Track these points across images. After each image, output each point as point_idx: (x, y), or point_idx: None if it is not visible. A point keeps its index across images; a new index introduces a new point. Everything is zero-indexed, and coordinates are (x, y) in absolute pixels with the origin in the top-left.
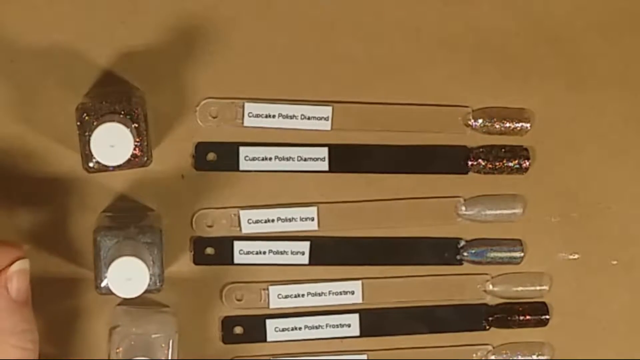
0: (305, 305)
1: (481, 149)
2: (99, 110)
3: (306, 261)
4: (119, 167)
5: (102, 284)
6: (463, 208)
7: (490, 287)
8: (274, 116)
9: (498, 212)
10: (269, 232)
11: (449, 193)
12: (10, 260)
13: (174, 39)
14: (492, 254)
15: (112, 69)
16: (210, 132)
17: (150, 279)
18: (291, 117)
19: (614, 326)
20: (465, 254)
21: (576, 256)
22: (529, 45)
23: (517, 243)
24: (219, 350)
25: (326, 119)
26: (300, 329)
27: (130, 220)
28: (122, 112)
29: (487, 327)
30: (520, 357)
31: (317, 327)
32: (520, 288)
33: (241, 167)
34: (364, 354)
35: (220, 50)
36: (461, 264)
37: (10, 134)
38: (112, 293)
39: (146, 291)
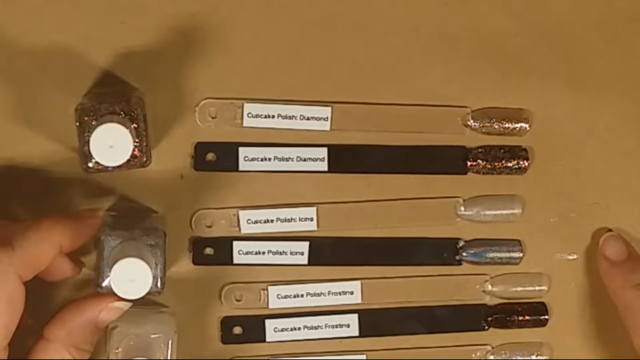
0: (304, 306)
1: (480, 150)
2: (98, 111)
3: (305, 261)
4: (118, 167)
5: (104, 284)
6: (462, 208)
7: (489, 287)
8: (273, 116)
9: (497, 212)
10: (268, 233)
11: (448, 193)
12: (89, 234)
13: (174, 39)
14: (491, 254)
15: (112, 69)
16: (209, 132)
17: (152, 281)
18: (290, 118)
19: (613, 326)
20: (464, 254)
21: (575, 256)
22: (528, 45)
23: (516, 243)
24: (218, 351)
25: (325, 119)
26: (299, 329)
27: (134, 222)
28: (122, 113)
29: (486, 328)
30: (519, 358)
31: (316, 328)
32: (519, 288)
33: (240, 168)
34: (363, 354)
35: (220, 51)
36: (460, 264)
37: (10, 134)
38: (113, 293)
39: (147, 293)
